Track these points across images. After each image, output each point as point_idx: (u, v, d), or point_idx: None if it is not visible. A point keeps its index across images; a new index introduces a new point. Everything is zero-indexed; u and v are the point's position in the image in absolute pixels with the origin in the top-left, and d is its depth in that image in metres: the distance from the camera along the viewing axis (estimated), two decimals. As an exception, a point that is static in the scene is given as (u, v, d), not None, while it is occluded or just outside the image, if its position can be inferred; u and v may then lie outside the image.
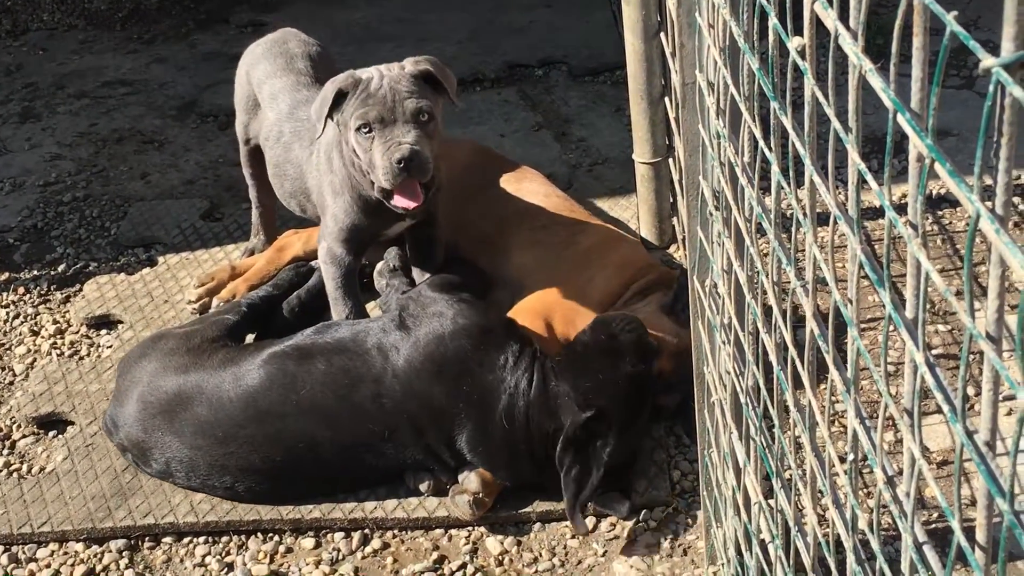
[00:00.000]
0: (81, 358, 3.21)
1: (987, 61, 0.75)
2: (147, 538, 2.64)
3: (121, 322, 3.33)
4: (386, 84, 2.68)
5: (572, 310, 2.95)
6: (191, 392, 2.66)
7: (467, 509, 2.56)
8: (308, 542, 2.60)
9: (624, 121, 4.03)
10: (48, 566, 2.60)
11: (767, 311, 1.56)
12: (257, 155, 3.29)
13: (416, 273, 3.09)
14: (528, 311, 2.93)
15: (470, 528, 2.60)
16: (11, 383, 3.15)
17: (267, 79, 3.21)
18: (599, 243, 3.13)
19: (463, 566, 2.52)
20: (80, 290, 3.51)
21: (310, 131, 3.00)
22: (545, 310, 2.93)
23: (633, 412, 2.57)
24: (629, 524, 2.57)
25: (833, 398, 1.28)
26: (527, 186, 3.36)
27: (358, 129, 2.68)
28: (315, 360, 2.63)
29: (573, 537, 2.55)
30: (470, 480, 2.58)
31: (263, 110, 3.22)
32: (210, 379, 2.66)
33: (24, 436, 2.95)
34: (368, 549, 2.58)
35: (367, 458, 2.60)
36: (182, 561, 2.59)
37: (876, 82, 0.98)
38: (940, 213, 3.52)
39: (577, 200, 3.44)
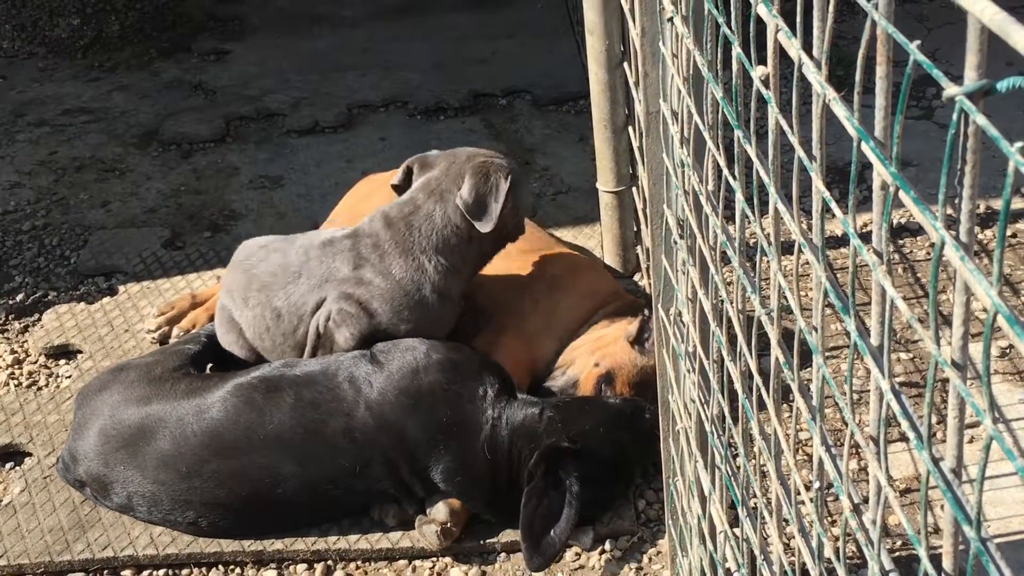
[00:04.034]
0: (39, 388, 3.16)
1: (951, 90, 0.76)
2: (106, 571, 2.59)
3: (81, 352, 3.29)
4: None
5: (538, 338, 2.95)
6: (154, 425, 2.62)
7: (434, 539, 2.54)
8: (270, 574, 2.57)
9: (588, 150, 4.04)
10: (4, 601, 2.55)
11: (732, 339, 1.56)
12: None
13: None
14: (495, 340, 2.92)
15: (435, 559, 2.58)
16: (-33, 414, 3.09)
17: (235, 285, 2.93)
18: (565, 270, 3.13)
19: (428, 597, 2.50)
20: (39, 320, 3.46)
21: (322, 266, 2.82)
22: (512, 338, 2.93)
23: (604, 472, 2.58)
24: (594, 554, 2.56)
25: (798, 426, 1.28)
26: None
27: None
28: (283, 393, 2.60)
29: (538, 567, 2.53)
30: (438, 510, 2.56)
31: (248, 306, 2.88)
32: (173, 411, 2.63)
33: (-20, 468, 2.90)
34: (331, 581, 2.55)
35: (335, 494, 2.57)
36: (142, 595, 2.54)
37: (840, 110, 0.98)
38: (901, 242, 3.56)
39: (541, 229, 3.44)
